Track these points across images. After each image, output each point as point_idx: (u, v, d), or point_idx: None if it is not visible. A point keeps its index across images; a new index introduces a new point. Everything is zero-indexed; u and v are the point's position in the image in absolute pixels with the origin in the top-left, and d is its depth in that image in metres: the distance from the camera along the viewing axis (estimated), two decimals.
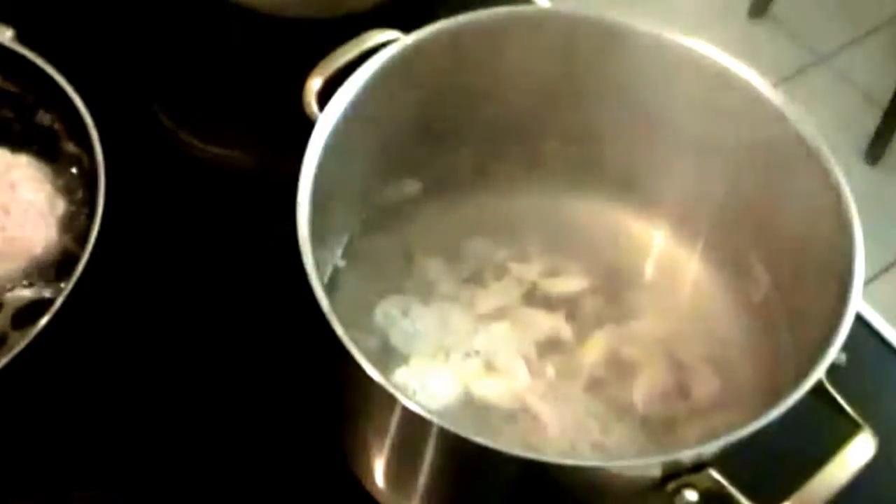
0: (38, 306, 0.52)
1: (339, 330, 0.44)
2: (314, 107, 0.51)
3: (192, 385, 0.56)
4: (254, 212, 0.61)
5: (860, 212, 0.48)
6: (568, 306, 0.56)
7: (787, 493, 0.44)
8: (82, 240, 0.51)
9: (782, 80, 1.61)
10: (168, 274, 0.59)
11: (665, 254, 0.59)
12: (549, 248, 0.57)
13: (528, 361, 0.53)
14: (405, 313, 0.55)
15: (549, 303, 0.56)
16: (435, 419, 0.43)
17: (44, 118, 0.58)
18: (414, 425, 0.45)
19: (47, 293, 0.53)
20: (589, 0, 0.61)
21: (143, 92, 0.68)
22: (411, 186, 0.58)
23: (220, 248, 0.61)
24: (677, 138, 0.56)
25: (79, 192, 0.56)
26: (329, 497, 0.54)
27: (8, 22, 0.57)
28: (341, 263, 0.55)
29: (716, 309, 0.56)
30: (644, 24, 0.54)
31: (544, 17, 0.56)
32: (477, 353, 0.54)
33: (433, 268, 0.56)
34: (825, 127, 0.52)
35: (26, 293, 0.53)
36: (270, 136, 0.65)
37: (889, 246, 1.36)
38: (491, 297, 0.56)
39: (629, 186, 0.59)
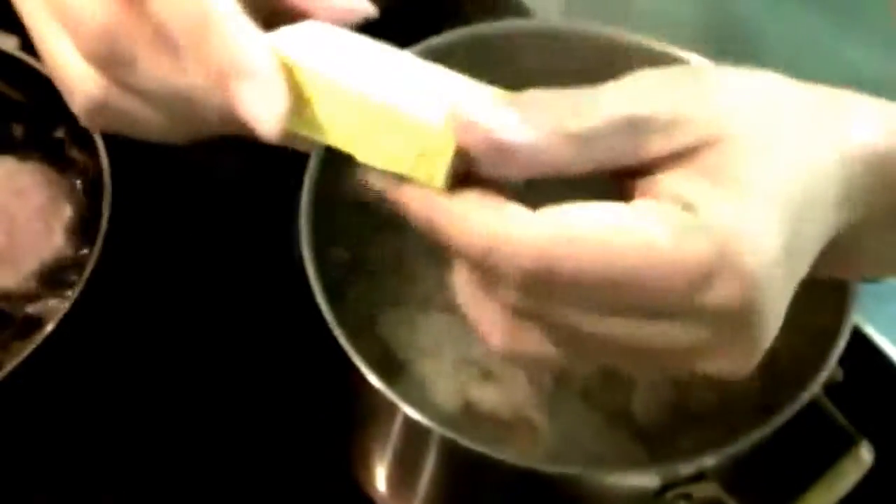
0: (43, 312, 0.53)
1: (342, 338, 0.44)
2: None
3: (196, 392, 0.57)
4: (258, 220, 0.61)
5: None
6: None
7: None
8: (88, 246, 0.52)
9: None
10: (173, 280, 0.60)
11: None
12: None
13: (526, 371, 0.54)
14: (407, 322, 0.55)
15: None
16: (436, 427, 0.43)
17: (49, 125, 0.58)
18: (415, 432, 0.46)
19: (52, 300, 0.53)
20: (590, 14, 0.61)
21: None
22: None
23: (224, 255, 0.61)
24: None
25: (84, 198, 0.56)
26: (331, 503, 0.55)
27: (12, 31, 0.57)
28: (344, 271, 0.55)
29: None
30: (647, 39, 0.54)
31: (545, 31, 0.56)
32: (476, 361, 0.54)
33: (435, 276, 0.57)
34: None
35: (32, 299, 0.54)
36: (275, 146, 0.65)
37: None
38: None
39: (629, 196, 0.59)
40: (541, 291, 0.30)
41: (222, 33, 0.32)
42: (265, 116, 0.32)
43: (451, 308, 0.56)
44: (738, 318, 0.31)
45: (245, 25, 0.32)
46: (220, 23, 0.32)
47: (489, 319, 0.32)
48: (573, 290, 0.29)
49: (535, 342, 0.32)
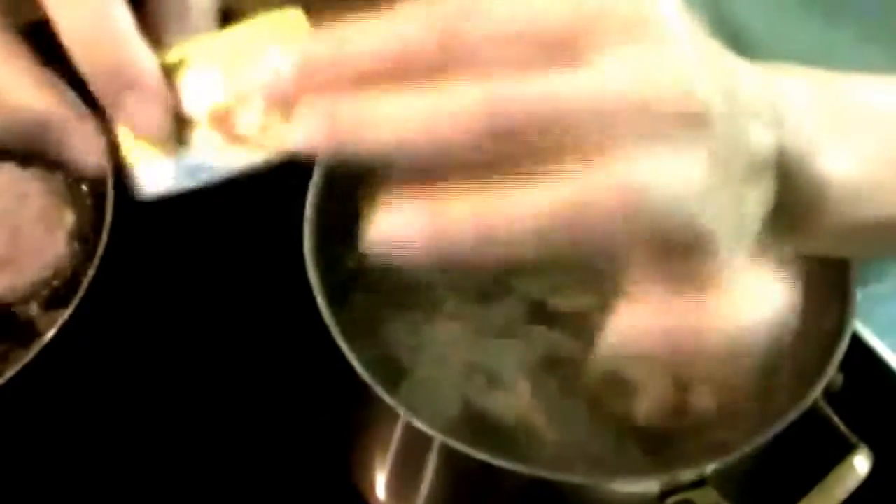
0: (44, 318, 0.53)
1: (343, 344, 0.44)
2: None
3: (197, 398, 0.57)
4: (263, 224, 0.61)
5: None
6: (572, 323, 0.56)
7: None
8: (91, 251, 0.52)
9: None
10: (175, 286, 0.60)
11: None
12: (555, 265, 0.58)
13: (531, 378, 0.54)
14: (410, 328, 0.55)
15: (554, 320, 0.56)
16: (437, 434, 0.43)
17: None
18: (416, 440, 0.46)
19: (53, 306, 0.53)
20: None
21: None
22: None
23: (227, 261, 0.61)
24: None
25: (87, 204, 0.56)
26: None
27: None
28: (347, 277, 0.56)
29: None
30: None
31: None
32: (480, 368, 0.54)
33: (439, 283, 0.57)
34: None
35: (33, 305, 0.54)
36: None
37: (886, 266, 1.36)
38: (495, 313, 0.56)
39: None
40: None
41: (116, 40, 0.33)
42: (148, 130, 0.34)
43: (456, 315, 0.56)
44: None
45: (137, 36, 0.33)
46: (115, 28, 0.33)
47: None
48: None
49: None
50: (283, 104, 0.31)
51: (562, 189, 0.27)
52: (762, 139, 0.32)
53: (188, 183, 0.34)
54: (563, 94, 0.28)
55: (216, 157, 0.34)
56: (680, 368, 0.54)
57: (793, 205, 0.34)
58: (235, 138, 0.33)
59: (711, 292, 0.30)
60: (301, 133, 0.29)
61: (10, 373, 0.48)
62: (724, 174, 0.29)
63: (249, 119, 0.33)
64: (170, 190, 0.34)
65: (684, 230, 0.29)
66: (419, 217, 0.28)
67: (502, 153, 0.28)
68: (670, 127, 0.28)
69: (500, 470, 0.43)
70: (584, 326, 0.56)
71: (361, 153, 0.29)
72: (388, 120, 0.28)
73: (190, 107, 0.34)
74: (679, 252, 0.29)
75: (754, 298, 0.31)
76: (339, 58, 0.29)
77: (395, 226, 0.28)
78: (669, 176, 0.28)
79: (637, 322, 0.31)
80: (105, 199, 0.52)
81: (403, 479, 0.51)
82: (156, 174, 0.34)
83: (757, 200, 0.32)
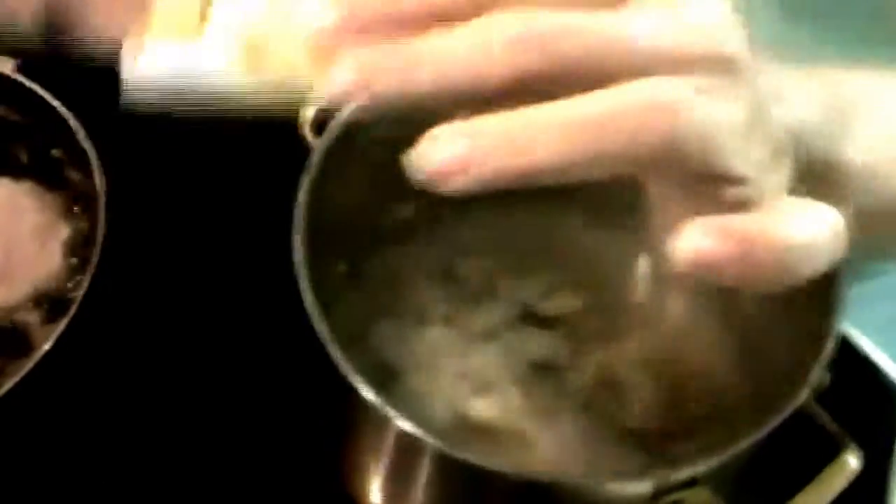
0: (40, 331, 0.53)
1: (335, 350, 0.44)
2: (309, 134, 0.52)
3: (193, 404, 0.57)
4: (255, 231, 0.62)
5: None
6: (563, 326, 0.56)
7: None
8: (84, 265, 0.52)
9: None
10: (169, 296, 0.60)
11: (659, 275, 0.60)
12: (545, 269, 0.58)
13: (521, 381, 0.54)
14: (400, 333, 0.55)
15: (543, 323, 0.57)
16: (430, 438, 0.44)
17: (46, 146, 0.58)
18: (409, 444, 0.46)
19: (49, 319, 0.54)
20: None
21: (143, 119, 0.68)
22: (407, 208, 0.58)
23: (220, 271, 0.62)
24: None
25: (81, 218, 0.57)
26: None
27: (9, 55, 0.58)
28: (338, 283, 0.56)
29: (706, 329, 0.57)
30: None
31: None
32: (470, 372, 0.54)
33: (428, 288, 0.57)
34: None
35: (29, 318, 0.54)
36: (269, 163, 0.65)
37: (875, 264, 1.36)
38: (485, 317, 0.57)
39: (624, 207, 0.59)
40: None
41: None
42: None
43: (448, 320, 0.57)
44: None
45: None
46: None
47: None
48: None
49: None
50: (324, 52, 0.31)
51: (596, 101, 0.28)
52: (781, 121, 0.32)
53: (193, 70, 0.33)
54: (600, 31, 0.29)
55: (230, 70, 0.33)
56: (670, 369, 0.54)
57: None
58: (259, 65, 0.33)
59: (757, 211, 0.30)
60: (337, 79, 0.30)
61: (7, 385, 0.48)
62: (753, 129, 0.30)
63: (280, 54, 0.33)
64: (172, 78, 0.33)
65: (712, 164, 0.29)
66: (459, 136, 0.28)
67: (536, 89, 0.29)
68: (704, 70, 0.29)
69: (493, 473, 0.43)
70: (575, 329, 0.56)
71: (402, 97, 0.29)
72: (428, 58, 0.29)
73: (223, 25, 0.33)
74: (705, 184, 0.30)
75: (803, 213, 0.31)
76: (384, 8, 0.30)
77: (438, 149, 0.28)
78: (701, 106, 0.29)
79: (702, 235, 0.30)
80: (97, 213, 0.53)
81: (397, 484, 0.51)
82: (166, 56, 0.33)
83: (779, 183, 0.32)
